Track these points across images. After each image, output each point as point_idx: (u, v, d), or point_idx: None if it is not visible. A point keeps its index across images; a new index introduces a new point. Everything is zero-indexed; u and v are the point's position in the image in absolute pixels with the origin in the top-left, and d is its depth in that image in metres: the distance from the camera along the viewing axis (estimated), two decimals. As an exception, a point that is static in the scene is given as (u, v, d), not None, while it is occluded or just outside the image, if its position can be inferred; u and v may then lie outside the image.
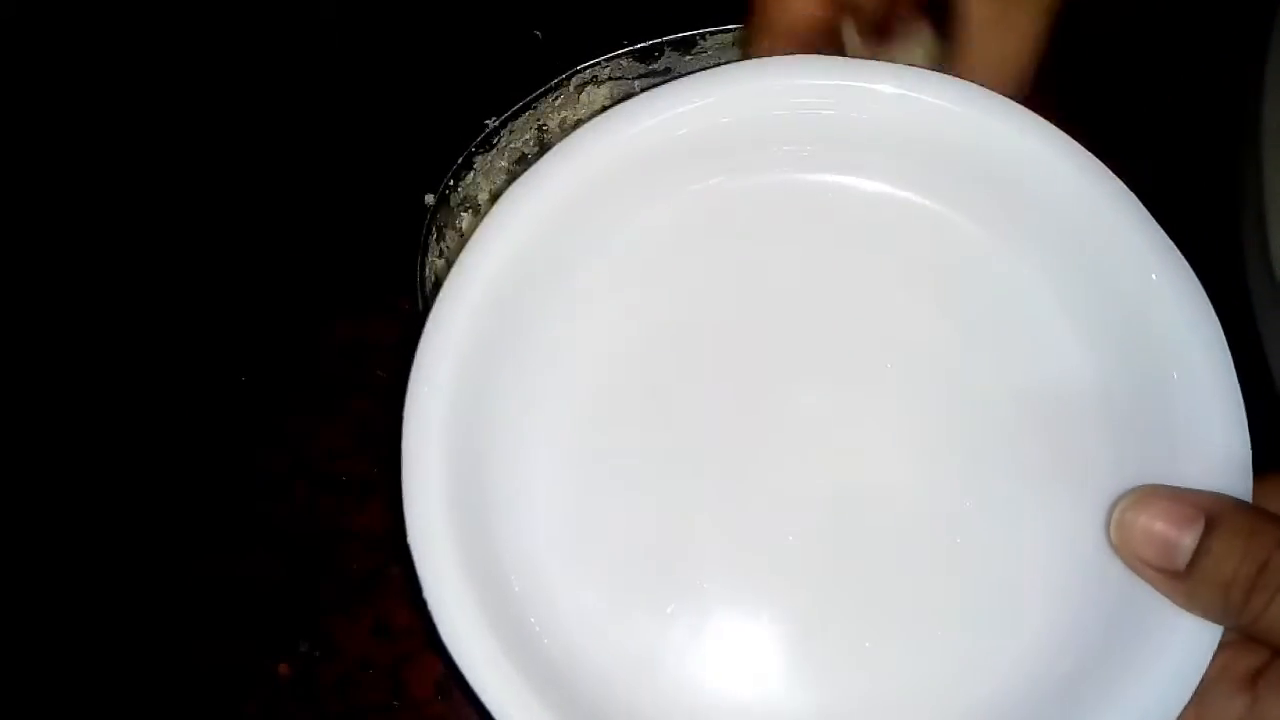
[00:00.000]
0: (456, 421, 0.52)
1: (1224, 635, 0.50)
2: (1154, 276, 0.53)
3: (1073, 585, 0.53)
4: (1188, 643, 0.49)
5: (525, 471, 0.52)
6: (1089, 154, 0.53)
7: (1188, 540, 0.49)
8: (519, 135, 0.63)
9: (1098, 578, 0.52)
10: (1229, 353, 0.52)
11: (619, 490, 0.52)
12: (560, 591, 0.51)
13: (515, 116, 0.63)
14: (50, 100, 0.73)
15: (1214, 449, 0.52)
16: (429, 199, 0.65)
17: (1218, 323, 0.52)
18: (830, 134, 0.54)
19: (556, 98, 0.63)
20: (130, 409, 0.67)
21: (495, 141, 0.63)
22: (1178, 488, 0.51)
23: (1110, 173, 0.54)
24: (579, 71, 0.62)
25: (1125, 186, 0.53)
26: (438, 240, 0.62)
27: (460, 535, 0.51)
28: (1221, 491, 0.51)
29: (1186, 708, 0.49)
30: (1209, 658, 0.49)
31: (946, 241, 0.56)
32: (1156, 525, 0.50)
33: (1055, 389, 0.54)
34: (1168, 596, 0.50)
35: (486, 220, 0.51)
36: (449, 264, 0.58)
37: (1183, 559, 0.49)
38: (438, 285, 0.53)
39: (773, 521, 0.52)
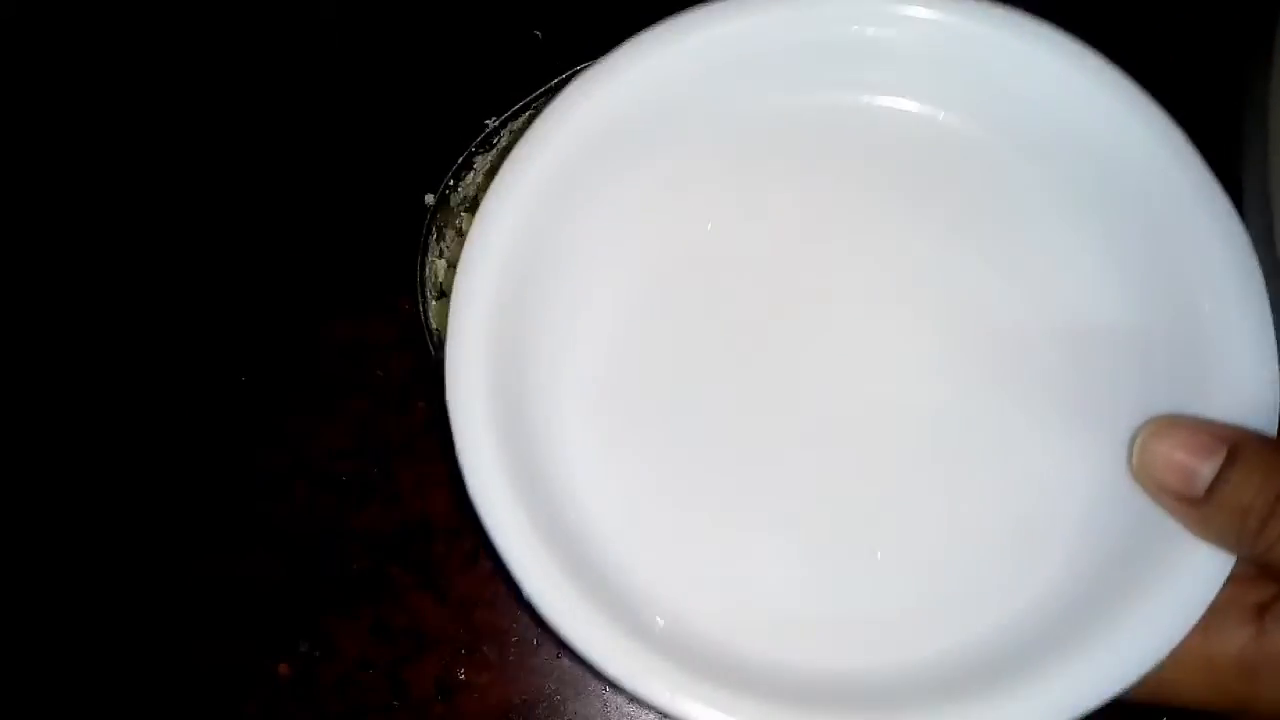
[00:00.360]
0: (499, 331, 0.52)
1: (1236, 569, 0.50)
2: (1189, 206, 0.54)
3: (1091, 512, 0.54)
4: (1199, 568, 0.50)
5: (563, 388, 0.53)
6: (1135, 84, 0.54)
7: (1207, 469, 0.49)
8: (519, 135, 0.62)
9: (1116, 506, 0.53)
10: (1264, 287, 0.53)
11: (653, 408, 0.54)
12: (591, 496, 0.52)
13: (515, 117, 0.63)
14: (50, 100, 0.73)
15: (1242, 383, 0.52)
16: (429, 199, 0.66)
17: (1254, 256, 0.53)
18: (872, 55, 0.55)
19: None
20: (130, 409, 0.67)
21: (495, 141, 0.63)
22: (1201, 418, 0.52)
23: (1152, 100, 0.54)
24: (579, 71, 0.62)
25: (1165, 113, 0.54)
26: (437, 240, 0.62)
27: (501, 435, 0.50)
28: (1245, 425, 0.51)
29: (1194, 630, 0.50)
30: (1219, 584, 0.50)
31: (986, 169, 0.57)
32: (1177, 454, 0.51)
33: (1086, 320, 0.55)
34: (1183, 524, 0.51)
35: (529, 134, 0.52)
36: (450, 264, 0.58)
37: (1201, 486, 0.50)
38: (439, 286, 0.53)
39: (799, 441, 0.54)
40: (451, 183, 0.61)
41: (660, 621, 0.51)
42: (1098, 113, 0.54)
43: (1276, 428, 0.53)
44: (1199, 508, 0.50)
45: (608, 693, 0.63)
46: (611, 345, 0.55)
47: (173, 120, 0.72)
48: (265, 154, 0.71)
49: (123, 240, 0.70)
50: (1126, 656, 0.50)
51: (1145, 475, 0.52)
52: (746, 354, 0.55)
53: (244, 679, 0.63)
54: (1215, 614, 0.50)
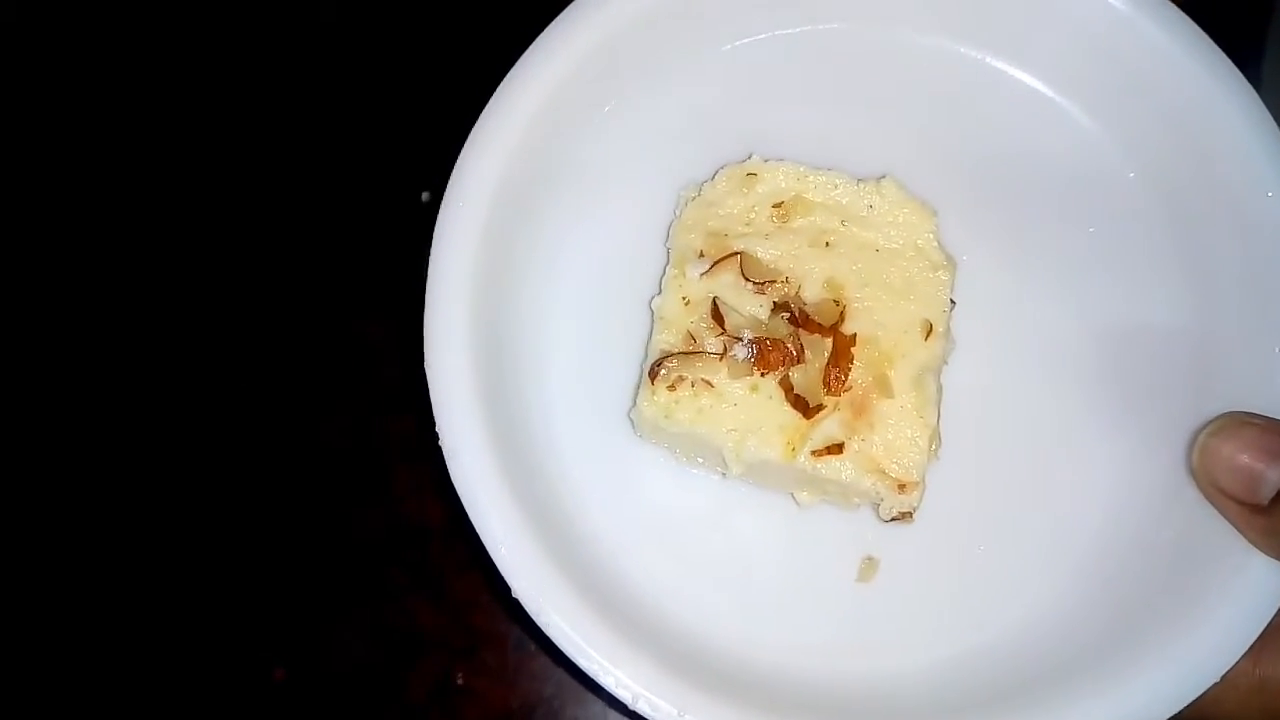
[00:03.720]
0: (480, 265, 0.51)
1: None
2: (1271, 194, 0.51)
3: (1141, 518, 0.51)
4: (1257, 583, 0.47)
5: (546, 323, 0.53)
6: (1224, 56, 0.52)
7: (1273, 474, 0.46)
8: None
9: (1169, 511, 0.50)
10: None
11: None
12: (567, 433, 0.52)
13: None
14: (50, 101, 0.71)
15: None
16: (425, 197, 0.65)
17: None
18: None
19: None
20: (130, 410, 0.65)
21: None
22: (1269, 418, 0.48)
23: (1245, 82, 0.52)
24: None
25: (1260, 100, 0.51)
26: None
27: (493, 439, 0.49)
28: None
29: (1246, 653, 0.46)
30: (1277, 604, 0.47)
31: (1075, 143, 0.54)
32: (1242, 456, 0.47)
33: (1149, 318, 0.53)
34: (1242, 531, 0.47)
35: (529, 51, 0.52)
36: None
37: (1267, 493, 0.46)
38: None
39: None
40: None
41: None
42: (1214, 115, 0.52)
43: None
44: (1263, 516, 0.46)
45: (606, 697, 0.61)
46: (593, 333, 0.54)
47: (173, 121, 0.71)
48: (264, 155, 0.70)
49: (123, 242, 0.68)
50: (1179, 677, 0.46)
51: (1205, 478, 0.49)
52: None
53: (240, 683, 0.61)
54: (1268, 636, 0.47)
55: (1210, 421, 0.49)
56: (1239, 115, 0.51)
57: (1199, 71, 0.52)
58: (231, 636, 0.62)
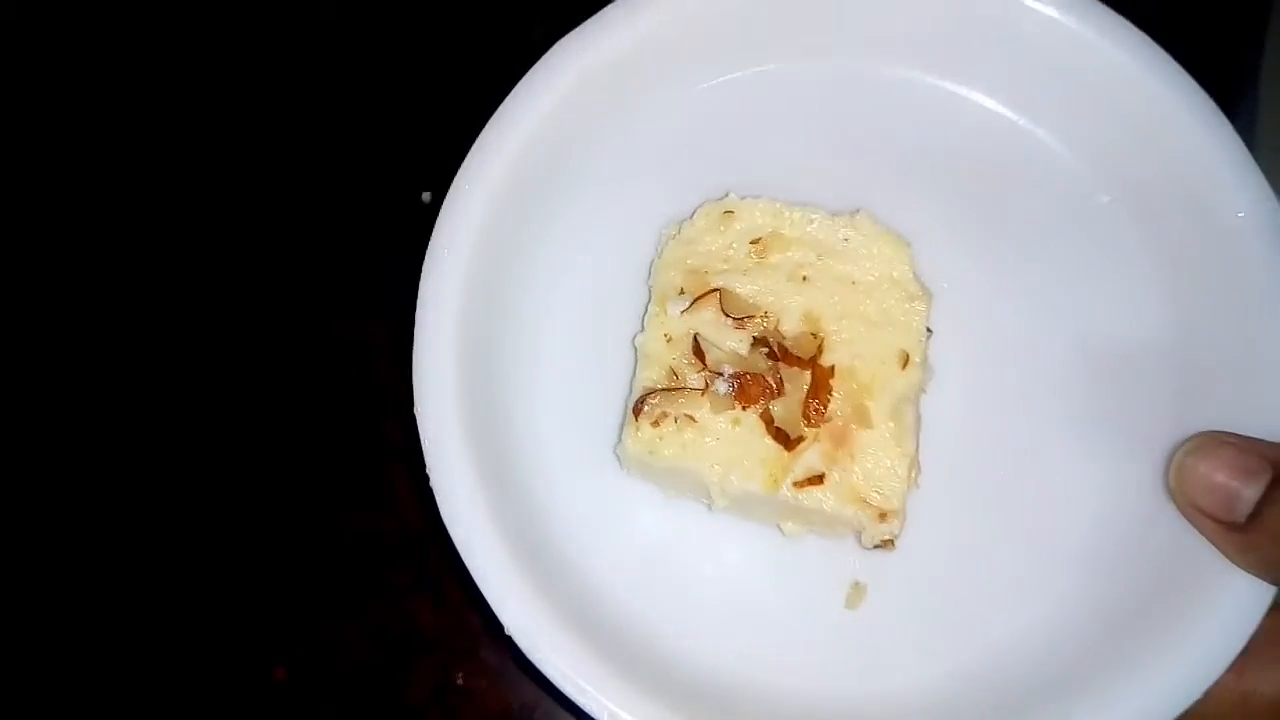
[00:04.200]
0: (470, 296, 0.53)
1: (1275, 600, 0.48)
2: (1241, 214, 0.52)
3: (1120, 536, 0.52)
4: (1237, 600, 0.48)
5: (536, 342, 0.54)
6: (1189, 79, 0.53)
7: (1250, 493, 0.47)
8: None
9: (1147, 529, 0.51)
10: None
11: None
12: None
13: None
14: (50, 101, 0.72)
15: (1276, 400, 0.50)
16: (426, 198, 0.65)
17: None
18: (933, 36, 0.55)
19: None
20: (130, 410, 0.66)
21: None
22: (1245, 437, 0.49)
23: (1212, 102, 0.53)
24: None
25: (1225, 119, 0.52)
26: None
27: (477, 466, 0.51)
28: None
29: (1228, 669, 0.47)
30: (1259, 617, 0.47)
31: (1048, 169, 0.55)
32: (1218, 475, 0.48)
33: (1128, 336, 0.54)
34: (1221, 550, 0.48)
35: (516, 90, 0.53)
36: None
37: (1243, 511, 0.47)
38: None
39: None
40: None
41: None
42: (1182, 137, 0.53)
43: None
44: (1241, 534, 0.47)
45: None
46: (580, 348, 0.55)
47: (173, 122, 0.71)
48: (265, 156, 0.70)
49: (122, 242, 0.69)
50: (1163, 693, 0.47)
51: (1183, 497, 0.49)
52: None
53: (241, 683, 0.62)
54: (1251, 650, 0.48)
55: (1186, 441, 0.50)
56: (1207, 137, 0.52)
57: (1166, 96, 0.53)
58: (232, 636, 0.62)
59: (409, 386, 0.51)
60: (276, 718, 0.62)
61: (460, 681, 0.62)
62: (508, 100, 0.54)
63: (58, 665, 0.63)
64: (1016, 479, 0.53)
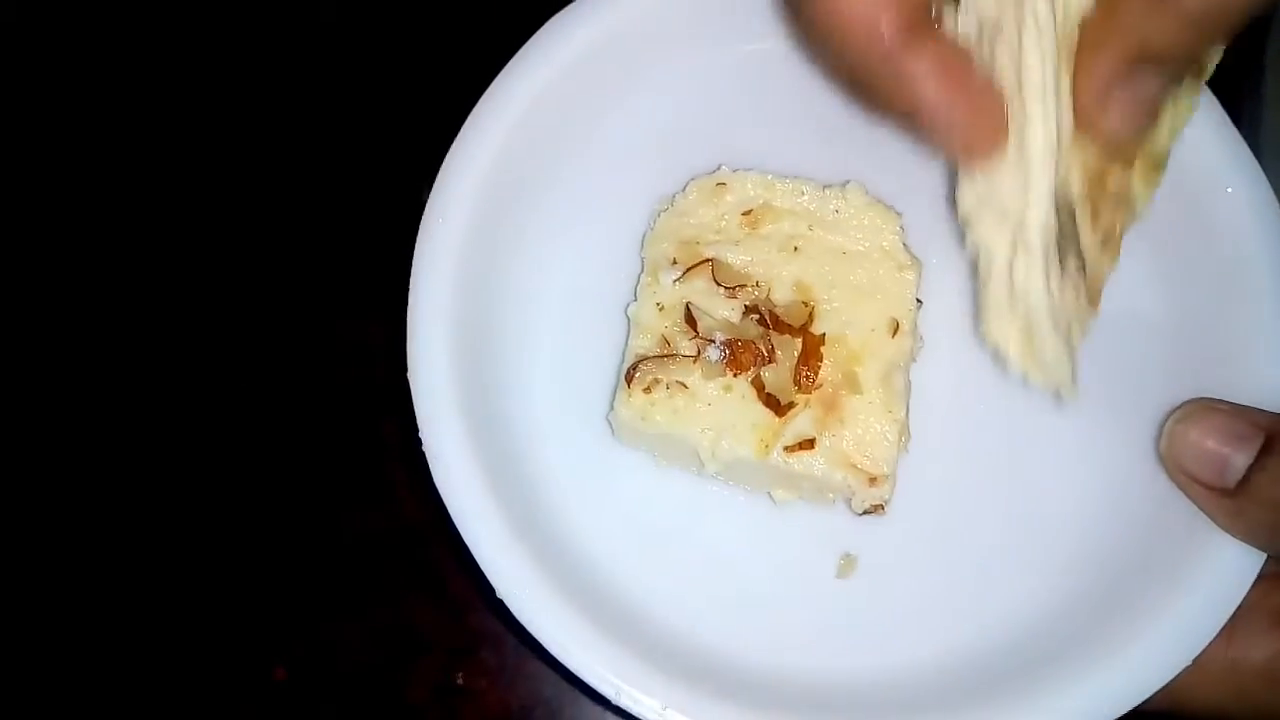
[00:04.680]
0: (462, 280, 0.53)
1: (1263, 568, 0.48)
2: (1230, 190, 0.53)
3: (1111, 500, 0.52)
4: (1228, 566, 0.48)
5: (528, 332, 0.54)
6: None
7: (1240, 459, 0.47)
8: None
9: (1138, 497, 0.52)
10: None
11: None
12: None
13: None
14: (52, 103, 0.73)
15: (1265, 370, 0.51)
16: (426, 196, 0.65)
17: None
18: None
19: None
20: (130, 410, 0.66)
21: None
22: (1235, 404, 0.49)
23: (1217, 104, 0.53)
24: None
25: (1215, 99, 0.53)
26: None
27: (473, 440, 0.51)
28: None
29: (1217, 636, 0.47)
30: (1249, 583, 0.48)
31: None
32: (1209, 441, 0.48)
33: (1118, 306, 0.52)
34: (1211, 516, 0.49)
35: (508, 67, 0.54)
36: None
37: (1234, 477, 0.47)
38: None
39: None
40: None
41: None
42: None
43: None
44: (1231, 499, 0.47)
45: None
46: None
47: (173, 122, 0.72)
48: (264, 155, 0.71)
49: (122, 241, 0.69)
50: (1150, 661, 0.47)
51: (1173, 463, 0.50)
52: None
53: (240, 683, 0.62)
54: (1239, 617, 0.48)
55: (1177, 408, 0.50)
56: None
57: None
58: (232, 636, 0.62)
59: (408, 386, 0.52)
60: (276, 718, 0.62)
61: (460, 681, 0.62)
62: (500, 77, 0.55)
63: (58, 665, 0.63)
64: (1006, 447, 0.54)
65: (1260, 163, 0.55)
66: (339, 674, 0.62)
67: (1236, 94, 0.61)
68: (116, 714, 0.62)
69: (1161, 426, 0.51)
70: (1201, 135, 0.53)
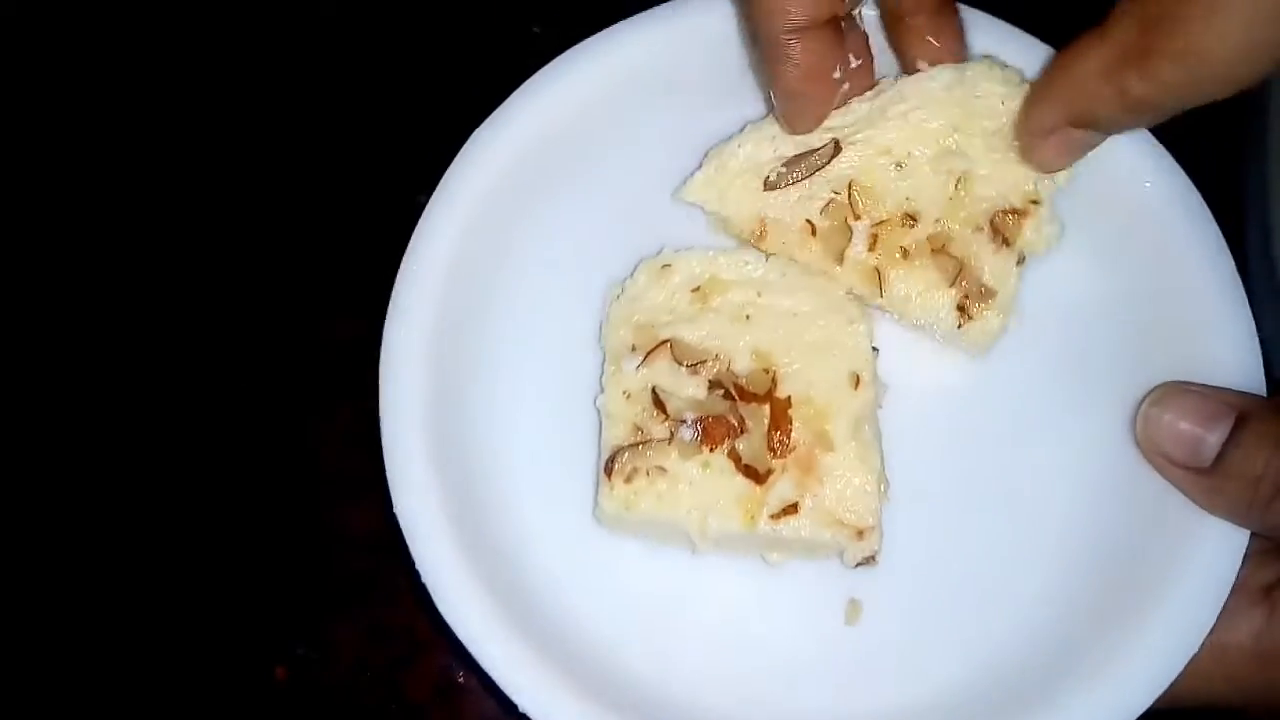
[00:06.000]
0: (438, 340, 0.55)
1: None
2: (1148, 184, 0.55)
3: (1097, 501, 0.54)
4: (1215, 547, 0.50)
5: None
6: None
7: (1214, 438, 0.49)
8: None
9: (1121, 484, 0.53)
10: (1229, 255, 0.54)
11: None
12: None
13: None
14: (50, 100, 0.73)
15: (1226, 353, 0.53)
16: (423, 200, 0.65)
17: (1214, 223, 0.54)
18: None
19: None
20: (129, 409, 0.67)
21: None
22: (1206, 385, 0.51)
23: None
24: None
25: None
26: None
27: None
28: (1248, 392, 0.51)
29: (1245, 624, 0.49)
30: (1239, 560, 0.49)
31: None
32: (1183, 423, 0.50)
33: (1074, 313, 0.56)
34: (1191, 496, 0.50)
35: (482, 128, 0.56)
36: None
37: (1209, 455, 0.49)
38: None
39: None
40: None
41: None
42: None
43: (1266, 393, 0.52)
44: (1207, 478, 0.49)
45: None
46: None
47: (173, 121, 0.72)
48: (263, 155, 0.71)
49: (122, 241, 0.70)
50: (1157, 660, 0.49)
51: (1150, 446, 0.51)
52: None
53: (241, 682, 0.62)
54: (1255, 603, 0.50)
55: (1151, 392, 0.52)
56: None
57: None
58: (232, 635, 0.63)
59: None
60: (276, 718, 0.62)
61: (461, 680, 0.63)
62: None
63: (58, 665, 0.63)
64: (985, 473, 0.55)
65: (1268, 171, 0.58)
66: (339, 674, 0.63)
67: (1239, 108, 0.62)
68: (117, 714, 0.62)
69: (1135, 412, 0.52)
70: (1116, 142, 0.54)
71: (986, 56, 0.55)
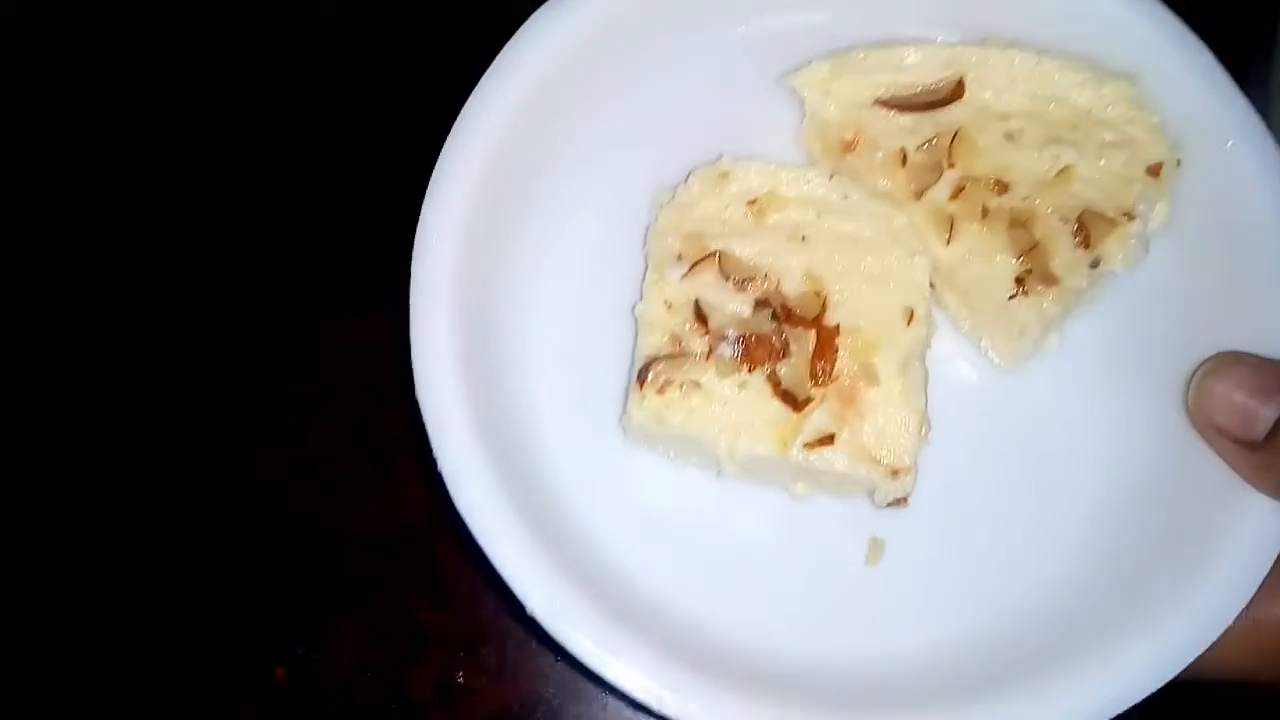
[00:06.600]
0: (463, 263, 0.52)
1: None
2: (1230, 143, 0.52)
3: (1137, 467, 0.52)
4: (1258, 525, 0.48)
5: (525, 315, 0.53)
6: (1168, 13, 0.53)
7: (1268, 411, 0.47)
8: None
9: (1166, 451, 0.51)
10: None
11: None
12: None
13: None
14: (50, 100, 0.72)
15: None
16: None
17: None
18: None
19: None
20: (129, 409, 0.66)
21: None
22: (1263, 357, 0.49)
23: (1195, 40, 0.53)
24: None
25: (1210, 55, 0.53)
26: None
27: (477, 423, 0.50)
28: None
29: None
30: (1278, 544, 0.48)
31: None
32: (1237, 394, 0.48)
33: (1129, 276, 0.53)
34: (1237, 470, 0.49)
35: (495, 64, 0.53)
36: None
37: (1262, 429, 0.47)
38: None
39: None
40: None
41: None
42: (1165, 72, 0.53)
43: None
44: (1258, 452, 0.47)
45: (607, 697, 0.62)
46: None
47: (173, 121, 0.71)
48: (264, 154, 0.70)
49: (122, 240, 0.69)
50: (1192, 625, 0.47)
51: (1200, 416, 0.50)
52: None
53: (241, 682, 0.62)
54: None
55: (1205, 362, 0.50)
56: (1189, 73, 0.53)
57: (1139, 28, 0.54)
58: (232, 635, 0.62)
59: (408, 383, 0.50)
60: (276, 718, 0.62)
61: (461, 680, 0.62)
62: (488, 73, 0.53)
63: (58, 665, 0.62)
64: (1026, 427, 0.53)
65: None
66: (339, 674, 0.62)
67: (1247, 69, 0.60)
68: (117, 714, 0.62)
69: (1188, 381, 0.51)
70: (1197, 95, 0.53)
71: (1128, 76, 0.53)
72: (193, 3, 0.73)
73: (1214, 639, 0.47)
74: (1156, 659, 0.47)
